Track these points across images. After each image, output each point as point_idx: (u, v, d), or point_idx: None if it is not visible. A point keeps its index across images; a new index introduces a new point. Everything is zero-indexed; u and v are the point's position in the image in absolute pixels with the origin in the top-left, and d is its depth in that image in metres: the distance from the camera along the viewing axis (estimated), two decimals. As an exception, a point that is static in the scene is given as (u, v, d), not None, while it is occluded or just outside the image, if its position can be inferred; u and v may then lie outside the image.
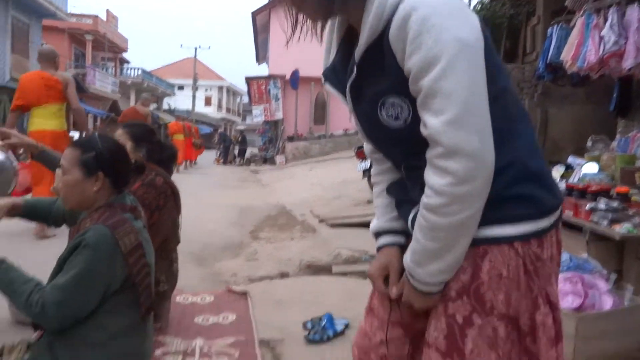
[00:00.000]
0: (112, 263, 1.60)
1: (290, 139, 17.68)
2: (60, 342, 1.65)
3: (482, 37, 0.90)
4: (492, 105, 0.90)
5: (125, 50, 30.74)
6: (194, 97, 35.11)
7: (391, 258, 1.13)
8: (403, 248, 1.11)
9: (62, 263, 1.64)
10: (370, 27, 0.92)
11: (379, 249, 1.19)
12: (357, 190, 7.33)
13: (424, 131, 0.91)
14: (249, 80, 18.80)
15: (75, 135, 6.33)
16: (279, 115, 18.31)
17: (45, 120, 4.58)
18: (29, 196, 4.22)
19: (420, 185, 0.96)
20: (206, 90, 43.26)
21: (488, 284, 0.96)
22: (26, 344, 1.87)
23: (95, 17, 25.36)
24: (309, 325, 2.60)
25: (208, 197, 7.90)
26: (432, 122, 0.88)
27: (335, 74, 1.12)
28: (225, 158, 19.91)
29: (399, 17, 0.87)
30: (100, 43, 26.18)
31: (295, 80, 17.51)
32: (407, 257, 1.02)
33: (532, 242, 0.96)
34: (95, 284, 1.59)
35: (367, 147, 1.23)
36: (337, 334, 2.52)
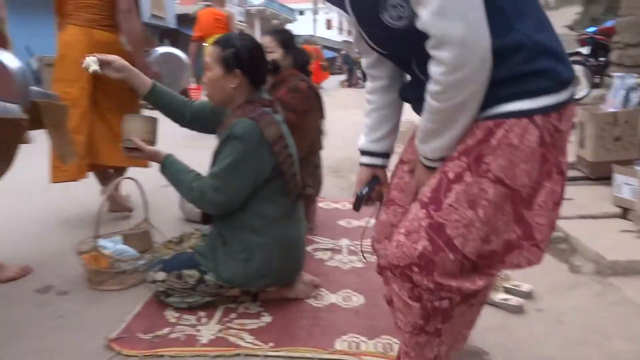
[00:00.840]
0: (259, 150, 1.72)
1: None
2: (227, 229, 1.83)
3: None
4: None
5: (248, -22, 31.17)
6: (314, 21, 34.89)
7: (365, 176, 1.37)
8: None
9: (215, 156, 1.79)
10: None
11: (360, 164, 1.38)
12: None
13: (419, 25, 0.93)
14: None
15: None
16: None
17: None
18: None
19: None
20: (326, 12, 42.65)
21: (493, 148, 1.00)
22: (200, 233, 2.12)
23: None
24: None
25: (336, 117, 7.98)
26: (422, 14, 0.91)
27: None
28: (350, 80, 19.82)
29: None
30: (226, -27, 26.76)
31: None
32: (417, 136, 1.11)
33: (551, 114, 0.99)
34: (246, 170, 1.72)
35: (365, 61, 1.29)
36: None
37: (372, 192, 1.38)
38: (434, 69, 0.95)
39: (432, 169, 1.11)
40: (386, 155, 1.37)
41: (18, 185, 3.40)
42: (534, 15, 1.01)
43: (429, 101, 1.00)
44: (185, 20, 22.66)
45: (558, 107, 1.00)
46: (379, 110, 1.31)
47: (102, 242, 2.13)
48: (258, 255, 1.78)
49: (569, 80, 1.01)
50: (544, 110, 0.98)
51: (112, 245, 2.19)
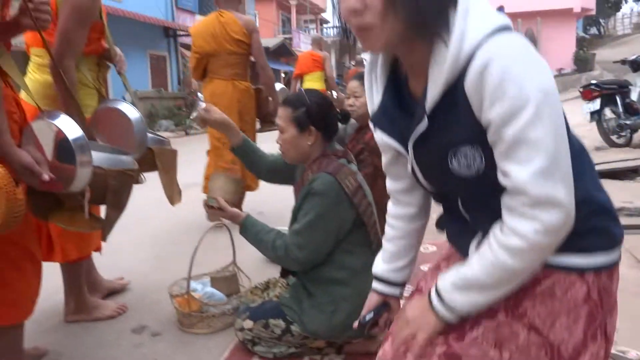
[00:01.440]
0: (340, 204, 1.73)
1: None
2: (311, 282, 1.84)
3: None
4: None
5: (324, 10, 32.15)
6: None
7: (374, 302, 1.28)
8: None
9: (296, 212, 1.82)
10: (446, 77, 0.87)
11: (373, 289, 1.29)
12: (582, 136, 6.47)
13: (503, 180, 0.87)
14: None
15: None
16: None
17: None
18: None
19: (488, 220, 0.94)
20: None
21: (535, 296, 0.94)
22: (285, 282, 2.14)
23: (297, -18, 26.94)
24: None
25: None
26: (517, 172, 0.84)
27: (387, 118, 1.04)
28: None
29: (478, 66, 0.83)
30: (303, 6, 27.82)
31: (499, 19, 16.06)
32: (448, 278, 0.97)
33: (602, 273, 0.95)
34: (328, 225, 1.74)
35: (395, 185, 1.18)
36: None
37: (380, 318, 1.27)
38: (524, 226, 0.86)
39: (441, 321, 0.96)
40: (403, 284, 1.26)
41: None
42: (590, 174, 0.98)
43: (499, 254, 0.89)
44: (265, 53, 23.64)
45: (609, 267, 0.96)
46: (403, 238, 1.21)
47: (192, 284, 2.21)
48: (344, 307, 1.77)
49: (620, 241, 0.98)
50: (596, 269, 0.94)
51: (201, 288, 2.26)
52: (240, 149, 2.04)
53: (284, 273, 1.97)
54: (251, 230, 1.84)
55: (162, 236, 3.43)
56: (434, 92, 0.90)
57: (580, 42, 23.07)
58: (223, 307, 2.14)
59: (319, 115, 1.82)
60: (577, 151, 0.95)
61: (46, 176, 1.51)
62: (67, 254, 2.11)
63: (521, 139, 0.82)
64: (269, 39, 24.80)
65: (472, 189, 0.96)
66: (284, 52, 24.76)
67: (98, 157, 1.70)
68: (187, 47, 17.70)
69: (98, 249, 2.37)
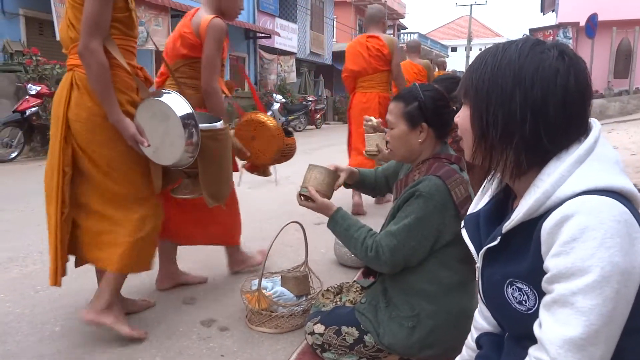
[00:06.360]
0: (444, 212, 1.57)
1: (582, 96, 15.42)
2: (395, 289, 1.69)
3: None
4: (629, 337, 0.80)
5: (402, 16, 31.76)
6: (467, 57, 34.07)
7: None
8: None
9: (395, 212, 1.67)
10: (529, 209, 0.86)
11: None
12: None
13: (536, 331, 0.84)
14: (532, 32, 17.09)
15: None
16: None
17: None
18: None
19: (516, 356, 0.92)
20: (480, 49, 41.44)
21: None
22: (360, 286, 2.03)
23: (377, -13, 26.77)
24: None
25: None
26: (549, 330, 0.80)
27: (476, 225, 1.06)
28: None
29: (560, 213, 0.80)
30: (381, 12, 27.56)
31: (592, 27, 15.06)
32: None
33: None
34: (427, 231, 1.58)
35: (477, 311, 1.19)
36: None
37: None
38: None
39: None
40: None
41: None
42: None
43: None
44: (340, 57, 23.73)
45: None
46: None
47: (262, 282, 2.16)
48: (426, 324, 1.62)
49: None
50: None
51: (270, 286, 2.20)
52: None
53: (367, 273, 1.84)
54: (341, 225, 1.71)
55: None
56: (514, 217, 0.89)
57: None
58: (292, 308, 2.07)
59: (433, 111, 1.67)
60: None
61: (146, 143, 1.87)
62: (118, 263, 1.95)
63: (569, 300, 0.78)
64: (345, 43, 24.85)
65: (520, 326, 0.92)
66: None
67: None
68: (265, 49, 18.10)
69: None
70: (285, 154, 2.57)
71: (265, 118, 2.50)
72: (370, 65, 4.21)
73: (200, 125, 1.94)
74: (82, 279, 2.50)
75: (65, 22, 1.89)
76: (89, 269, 2.11)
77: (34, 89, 7.60)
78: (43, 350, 1.89)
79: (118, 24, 1.85)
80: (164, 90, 1.97)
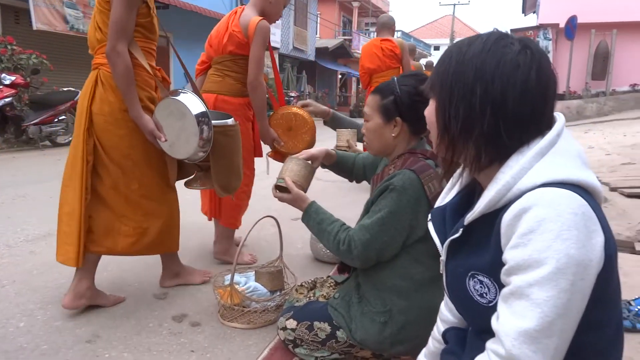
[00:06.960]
0: (417, 207, 1.57)
1: (561, 97, 15.67)
2: (368, 285, 1.69)
3: (602, 262, 0.78)
4: (589, 332, 0.81)
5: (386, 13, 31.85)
6: (450, 56, 34.25)
7: None
8: None
9: (369, 206, 1.66)
10: (490, 201, 0.86)
11: None
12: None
13: (493, 323, 0.84)
14: (514, 33, 17.21)
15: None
16: (548, 70, 16.39)
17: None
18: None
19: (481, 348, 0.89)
20: (463, 48, 41.67)
21: None
22: (334, 281, 2.01)
23: (362, -17, 26.80)
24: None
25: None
26: (505, 322, 0.80)
27: (442, 218, 1.07)
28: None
29: (519, 206, 0.80)
30: (365, 9, 27.68)
31: (571, 29, 15.29)
32: None
33: None
34: (400, 225, 1.57)
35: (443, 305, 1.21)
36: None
37: None
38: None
39: None
40: None
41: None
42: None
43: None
44: (323, 53, 23.71)
45: None
46: None
47: (236, 277, 2.13)
48: (397, 319, 1.62)
49: None
50: None
51: (244, 281, 2.18)
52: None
53: (342, 269, 1.82)
54: (314, 218, 1.70)
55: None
56: (476, 209, 0.89)
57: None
58: (265, 303, 2.04)
59: (408, 106, 1.66)
60: (609, 342, 0.85)
61: (163, 138, 2.03)
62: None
63: (525, 292, 0.77)
64: (329, 40, 24.84)
65: (480, 319, 0.92)
66: (342, 53, 24.70)
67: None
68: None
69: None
70: (312, 144, 2.74)
71: (302, 111, 2.59)
72: (385, 64, 4.97)
73: (212, 121, 2.09)
74: (46, 275, 2.45)
75: (92, 25, 2.06)
76: (55, 265, 2.06)
77: (8, 79, 7.41)
78: (7, 347, 1.84)
79: (141, 28, 2.03)
80: (180, 90, 2.12)
